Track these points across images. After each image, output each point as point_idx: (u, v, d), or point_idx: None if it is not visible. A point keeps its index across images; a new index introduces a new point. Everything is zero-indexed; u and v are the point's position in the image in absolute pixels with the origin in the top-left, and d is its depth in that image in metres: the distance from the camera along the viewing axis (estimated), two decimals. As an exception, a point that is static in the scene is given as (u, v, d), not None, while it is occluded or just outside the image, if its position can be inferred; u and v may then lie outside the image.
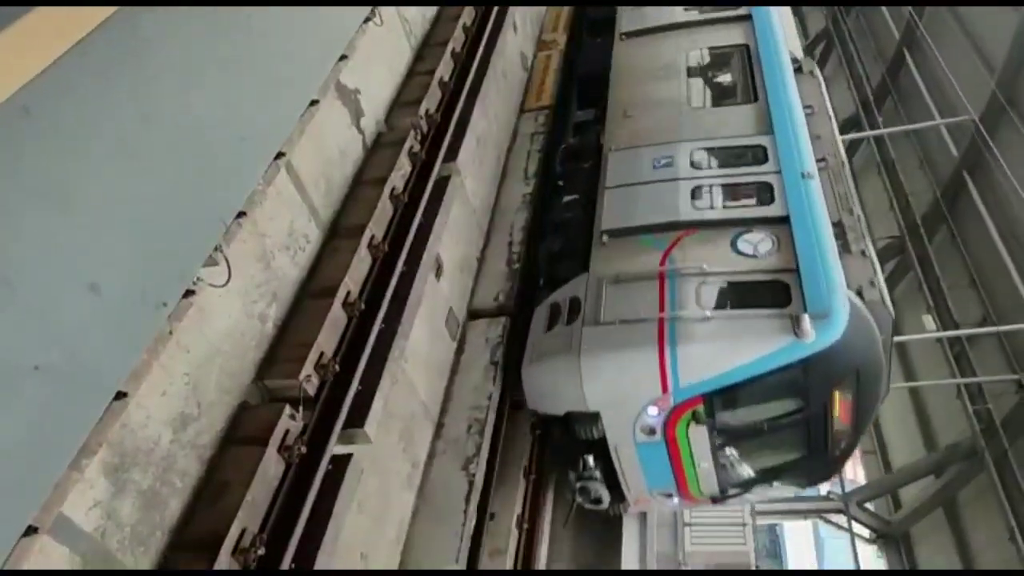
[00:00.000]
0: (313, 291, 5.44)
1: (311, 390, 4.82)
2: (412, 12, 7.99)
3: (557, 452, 7.44)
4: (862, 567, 13.13)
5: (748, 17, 10.25)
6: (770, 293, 6.48)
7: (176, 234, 3.47)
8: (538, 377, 6.86)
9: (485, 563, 6.32)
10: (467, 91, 7.85)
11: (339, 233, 5.92)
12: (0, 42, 2.59)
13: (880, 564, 13.54)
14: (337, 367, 4.99)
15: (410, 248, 6.02)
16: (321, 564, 4.24)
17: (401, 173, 6.47)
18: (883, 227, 14.27)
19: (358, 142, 6.61)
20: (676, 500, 7.40)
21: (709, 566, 12.81)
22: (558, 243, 8.31)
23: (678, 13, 10.98)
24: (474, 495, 6.29)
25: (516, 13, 10.43)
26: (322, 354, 4.97)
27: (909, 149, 14.68)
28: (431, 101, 7.39)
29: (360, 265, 5.61)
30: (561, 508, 7.61)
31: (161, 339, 3.60)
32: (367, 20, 6.30)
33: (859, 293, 6.51)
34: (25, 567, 2.99)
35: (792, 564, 22.36)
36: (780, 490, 7.46)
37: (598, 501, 7.18)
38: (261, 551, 4.05)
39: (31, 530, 2.85)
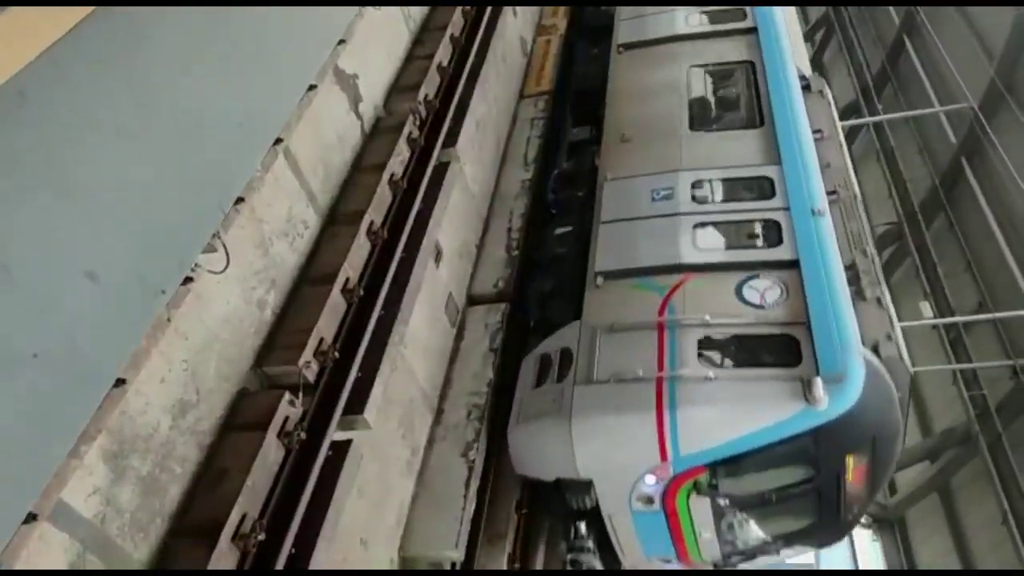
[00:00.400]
0: (312, 277, 5.43)
1: (310, 376, 4.81)
2: (410, -4, 7.92)
3: (545, 513, 6.93)
4: (858, 551, 13.23)
5: (753, 30, 9.52)
6: (779, 350, 5.99)
7: (174, 221, 3.45)
8: (525, 440, 6.33)
9: (484, 548, 6.34)
10: (466, 76, 7.80)
11: (338, 219, 5.90)
12: (-4, 26, 2.57)
13: (876, 548, 13.63)
14: (336, 353, 4.99)
15: (409, 234, 6.01)
16: (321, 549, 4.25)
17: (400, 159, 6.43)
18: (882, 214, 14.27)
19: (356, 127, 6.57)
20: (676, 564, 6.94)
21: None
22: (549, 282, 7.78)
23: (679, 23, 10.20)
24: (473, 480, 6.31)
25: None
26: (321, 340, 4.97)
27: (908, 136, 14.64)
28: (430, 86, 7.34)
29: (359, 251, 5.60)
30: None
31: (159, 326, 3.59)
32: (365, 4, 6.25)
33: (875, 349, 5.97)
34: (25, 554, 2.99)
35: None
36: (788, 554, 6.81)
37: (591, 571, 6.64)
38: (261, 536, 4.06)
39: (31, 517, 2.85)
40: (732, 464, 5.82)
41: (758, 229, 7.07)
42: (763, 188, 7.38)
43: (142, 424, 3.85)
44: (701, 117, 8.66)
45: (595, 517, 6.37)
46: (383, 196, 6.06)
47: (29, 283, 2.67)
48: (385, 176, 6.11)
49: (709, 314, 6.20)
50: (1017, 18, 11.32)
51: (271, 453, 4.36)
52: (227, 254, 4.12)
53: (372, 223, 5.81)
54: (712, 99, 9.04)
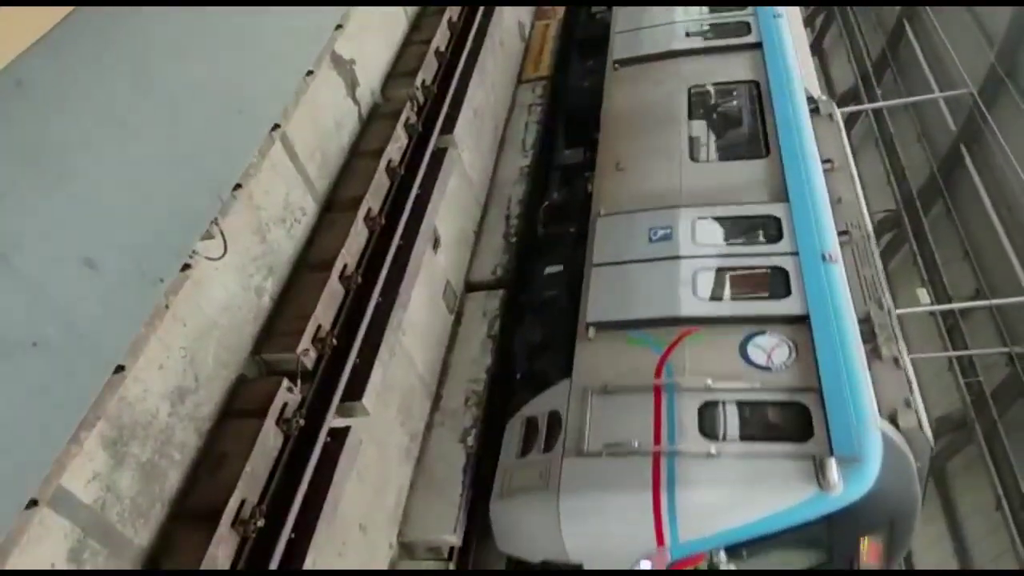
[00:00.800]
0: (310, 264, 5.43)
1: (309, 363, 4.83)
2: (408, -20, 7.87)
3: None
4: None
5: (758, 45, 8.85)
6: (788, 421, 5.50)
7: (172, 208, 3.45)
8: (509, 516, 5.81)
9: (482, 533, 6.37)
10: (464, 61, 7.75)
11: (335, 206, 5.89)
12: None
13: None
14: (335, 340, 5.00)
15: (407, 221, 6.00)
16: (320, 534, 4.27)
17: (398, 145, 6.41)
18: (880, 201, 14.26)
19: (354, 113, 6.54)
20: None
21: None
22: (537, 331, 7.17)
23: (679, 38, 9.50)
24: (471, 466, 6.34)
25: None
26: (319, 327, 4.97)
27: (907, 122, 14.61)
28: (427, 72, 7.30)
29: (357, 238, 5.59)
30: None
31: (158, 313, 3.59)
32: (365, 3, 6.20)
33: (893, 419, 5.43)
34: (25, 539, 3.01)
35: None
36: None
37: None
38: (261, 522, 4.09)
39: (31, 503, 2.86)
40: (736, 548, 5.34)
41: (764, 276, 6.53)
42: (769, 229, 6.80)
43: (141, 411, 3.86)
44: (702, 145, 8.08)
45: None
46: (381, 182, 6.05)
47: (28, 271, 2.68)
48: (383, 162, 6.10)
49: (711, 377, 5.69)
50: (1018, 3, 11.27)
51: (270, 439, 4.38)
52: (225, 241, 4.12)
53: (370, 210, 5.80)
54: (714, 124, 8.41)
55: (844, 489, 4.99)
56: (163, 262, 3.40)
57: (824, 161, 7.32)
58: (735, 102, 8.55)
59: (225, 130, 3.91)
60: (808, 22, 18.58)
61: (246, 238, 4.84)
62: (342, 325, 5.16)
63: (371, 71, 6.93)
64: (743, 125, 8.30)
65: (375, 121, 6.72)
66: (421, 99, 7.05)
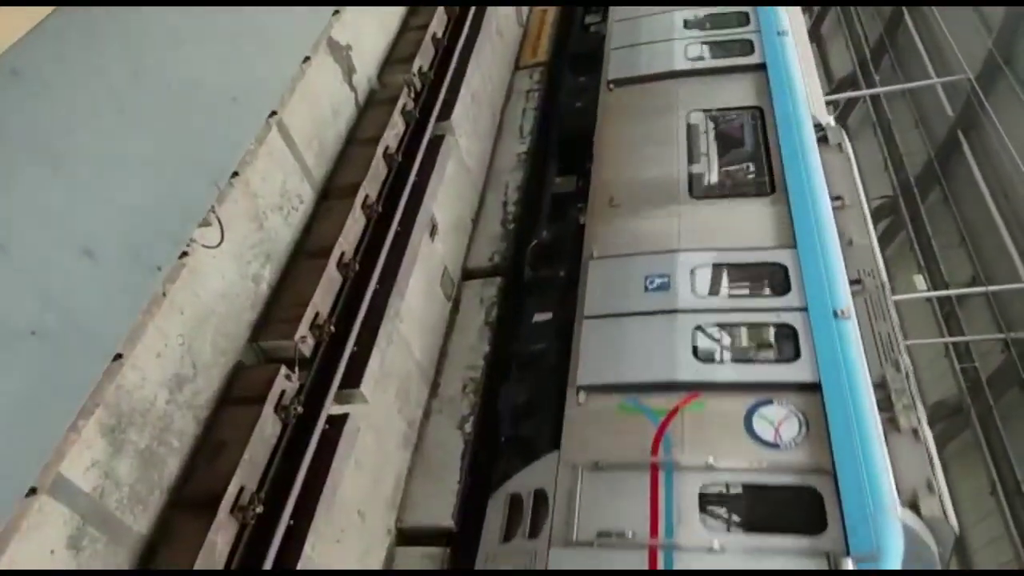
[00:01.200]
0: (307, 251, 5.43)
1: (307, 351, 4.83)
2: (405, -35, 7.81)
3: None
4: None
5: (763, 67, 8.25)
6: (798, 508, 5.01)
7: (170, 196, 3.45)
8: None
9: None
10: (461, 47, 7.71)
11: (332, 193, 5.87)
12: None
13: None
14: (332, 327, 5.00)
15: (404, 208, 5.98)
16: (319, 521, 4.30)
17: (395, 132, 6.39)
18: (877, 187, 14.27)
19: (351, 100, 6.51)
20: None
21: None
22: (523, 392, 6.58)
23: (677, 56, 8.83)
24: (469, 453, 6.36)
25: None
26: (317, 315, 4.97)
27: (905, 109, 14.60)
28: (424, 58, 7.26)
29: (354, 225, 5.58)
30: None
31: (155, 301, 3.60)
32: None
33: (914, 505, 4.88)
34: (25, 526, 3.03)
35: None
36: None
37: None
38: (259, 509, 4.10)
39: (31, 490, 2.87)
40: None
41: (771, 336, 6.01)
42: (776, 280, 6.25)
43: (139, 398, 3.86)
44: (702, 181, 7.47)
45: None
46: (378, 169, 6.03)
47: (26, 260, 2.68)
48: (380, 149, 6.08)
49: (713, 455, 5.21)
50: (1016, -11, 11.23)
51: (268, 427, 4.39)
52: (222, 228, 4.12)
53: (367, 197, 5.78)
54: (715, 157, 7.78)
55: None
56: (161, 250, 3.40)
57: (834, 198, 6.70)
58: (737, 131, 7.99)
59: (222, 117, 3.90)
60: (806, 8, 18.50)
61: (243, 225, 4.83)
62: (340, 312, 5.16)
63: (368, 57, 6.89)
64: (746, 158, 7.75)
65: (372, 108, 6.69)
66: (418, 85, 7.02)
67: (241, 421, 4.34)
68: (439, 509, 6.05)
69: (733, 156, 7.78)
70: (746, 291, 6.38)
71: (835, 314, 5.75)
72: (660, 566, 4.86)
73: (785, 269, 6.21)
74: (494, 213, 8.45)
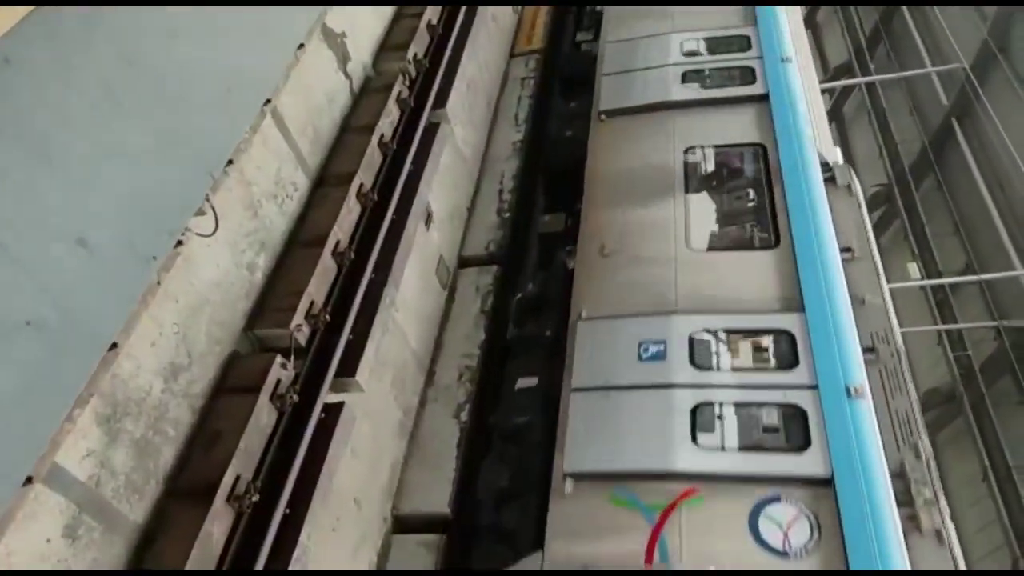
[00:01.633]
0: (302, 240, 5.41)
1: (302, 340, 4.83)
2: (399, -49, 7.75)
3: None
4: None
5: (765, 97, 7.62)
6: None
7: (164, 186, 3.43)
8: None
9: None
10: (456, 35, 7.67)
11: (327, 181, 5.85)
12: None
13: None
14: (328, 316, 5.00)
15: (400, 196, 5.97)
16: (315, 509, 4.31)
17: (390, 120, 6.37)
18: (872, 175, 14.30)
19: (345, 88, 6.48)
20: None
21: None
22: (504, 474, 5.92)
23: (674, 83, 8.15)
24: (465, 441, 6.38)
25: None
26: (312, 303, 4.97)
27: (900, 97, 14.62)
28: (419, 45, 7.23)
29: (349, 214, 5.57)
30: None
31: (150, 290, 3.58)
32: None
33: None
34: (20, 516, 3.02)
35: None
36: None
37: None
38: (256, 498, 4.11)
39: (26, 480, 2.87)
40: None
41: (777, 419, 5.27)
42: (783, 351, 5.58)
43: (134, 387, 3.86)
44: (701, 230, 6.78)
45: None
46: (373, 158, 6.02)
47: (19, 250, 2.66)
48: (375, 137, 6.06)
49: (714, 563, 4.62)
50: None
51: (264, 415, 4.39)
52: (216, 217, 4.10)
53: (362, 185, 5.77)
54: (715, 201, 7.08)
55: None
56: (155, 239, 3.39)
57: (843, 250, 6.04)
58: (739, 174, 7.27)
59: (216, 106, 3.88)
60: (802, -5, 18.43)
61: (238, 214, 4.81)
62: (335, 301, 5.16)
63: (363, 44, 6.85)
64: (748, 203, 7.01)
65: (367, 95, 6.66)
66: (413, 73, 6.99)
67: (236, 410, 4.33)
68: (435, 497, 6.06)
69: (734, 203, 7.09)
70: (749, 363, 5.65)
71: (848, 392, 5.09)
72: None
73: (792, 338, 5.58)
74: (490, 201, 8.43)
